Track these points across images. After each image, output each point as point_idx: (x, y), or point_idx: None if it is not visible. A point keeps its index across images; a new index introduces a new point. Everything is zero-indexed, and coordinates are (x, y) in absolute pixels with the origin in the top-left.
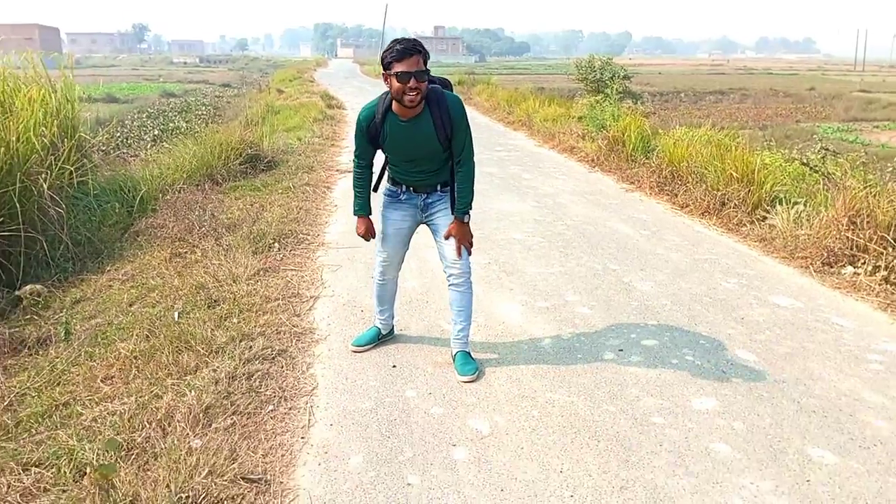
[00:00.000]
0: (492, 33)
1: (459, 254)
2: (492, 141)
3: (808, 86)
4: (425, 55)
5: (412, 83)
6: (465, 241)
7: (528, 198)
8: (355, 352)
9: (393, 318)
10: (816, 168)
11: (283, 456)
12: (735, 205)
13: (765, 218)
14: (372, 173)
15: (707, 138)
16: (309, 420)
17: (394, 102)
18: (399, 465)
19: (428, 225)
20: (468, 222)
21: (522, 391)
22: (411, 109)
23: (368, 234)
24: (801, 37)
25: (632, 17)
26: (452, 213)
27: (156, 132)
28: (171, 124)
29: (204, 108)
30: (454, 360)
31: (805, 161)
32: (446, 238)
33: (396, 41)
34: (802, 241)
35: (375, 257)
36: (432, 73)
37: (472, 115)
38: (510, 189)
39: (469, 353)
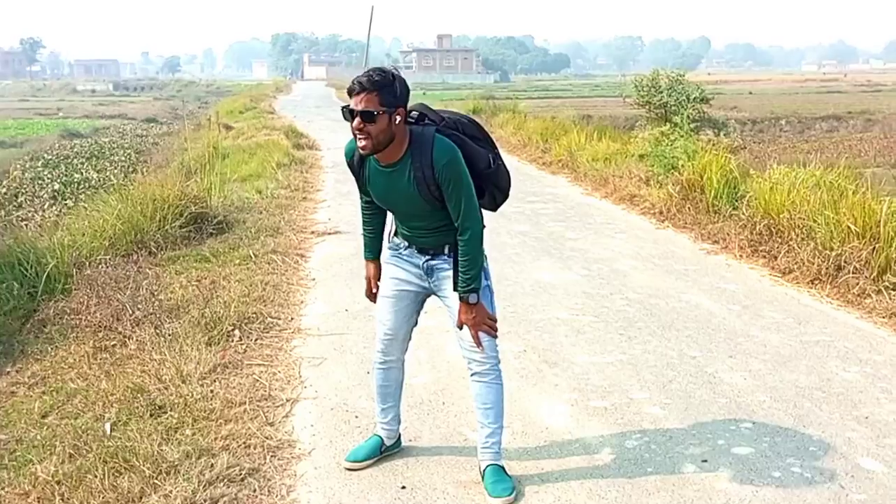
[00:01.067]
0: (517, 43)
1: (478, 343)
2: (523, 189)
3: None
4: (386, 91)
5: (355, 124)
6: (480, 327)
7: (574, 264)
8: (350, 469)
9: (400, 422)
10: None
11: None
12: (855, 269)
13: None
14: (375, 212)
15: (816, 180)
16: None
17: None
18: None
19: (437, 294)
20: (477, 303)
21: None
22: (389, 153)
23: (373, 281)
24: None
25: (710, 19)
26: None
27: (56, 186)
28: (76, 175)
29: (123, 151)
30: (483, 478)
31: None
32: (459, 328)
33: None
34: None
35: (376, 330)
36: (441, 109)
37: None
38: (550, 253)
39: (503, 468)
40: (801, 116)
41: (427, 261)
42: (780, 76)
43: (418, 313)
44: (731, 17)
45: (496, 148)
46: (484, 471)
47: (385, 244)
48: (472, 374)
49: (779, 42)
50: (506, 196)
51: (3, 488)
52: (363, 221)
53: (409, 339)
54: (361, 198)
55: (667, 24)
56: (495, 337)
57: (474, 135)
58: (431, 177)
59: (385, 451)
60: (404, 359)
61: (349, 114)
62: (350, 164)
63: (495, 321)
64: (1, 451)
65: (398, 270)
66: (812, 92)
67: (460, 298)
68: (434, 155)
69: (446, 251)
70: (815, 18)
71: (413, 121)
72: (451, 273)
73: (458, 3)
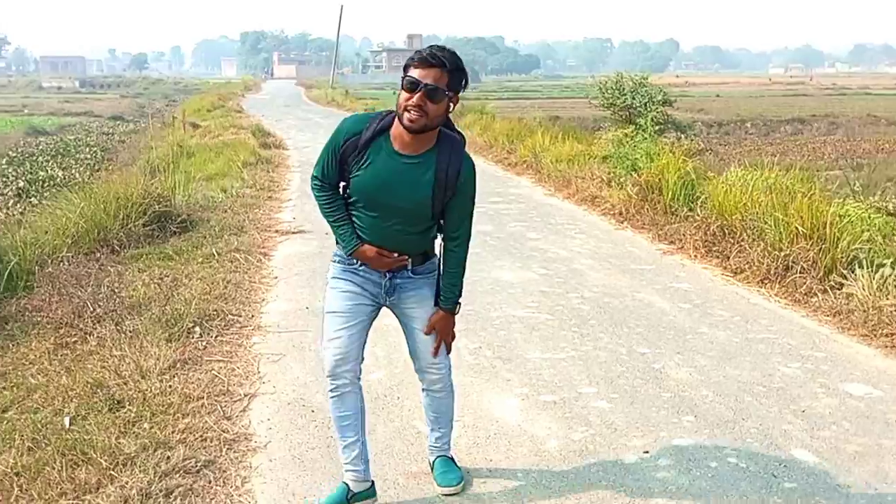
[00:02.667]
0: (488, 43)
1: (437, 353)
2: (486, 189)
3: None
4: (456, 76)
5: (416, 98)
6: (447, 336)
7: (533, 263)
8: None
9: (367, 462)
10: None
11: None
12: (803, 269)
13: (841, 285)
14: (341, 197)
15: (769, 182)
16: None
17: (395, 124)
18: None
19: (393, 311)
20: (456, 315)
21: None
22: (416, 142)
23: (382, 252)
24: None
25: (678, 22)
26: (435, 303)
27: (20, 184)
28: (42, 173)
29: (88, 149)
30: (433, 469)
31: (893, 211)
32: (427, 334)
33: (428, 47)
34: (888, 313)
35: (322, 353)
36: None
37: None
38: (510, 252)
39: (451, 459)
40: (766, 119)
41: (391, 279)
42: (747, 79)
43: (368, 331)
44: (699, 19)
45: None
46: (433, 462)
47: (332, 257)
48: (424, 389)
49: (746, 45)
50: None
51: None
52: (327, 213)
53: (362, 359)
54: (317, 184)
55: (636, 27)
56: (449, 352)
57: None
58: (454, 181)
59: (353, 499)
60: (360, 384)
61: (411, 85)
62: (344, 142)
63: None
64: None
65: (351, 285)
66: (778, 95)
67: (443, 308)
68: (464, 164)
69: (409, 267)
70: (782, 22)
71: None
72: (415, 289)
73: (428, 3)
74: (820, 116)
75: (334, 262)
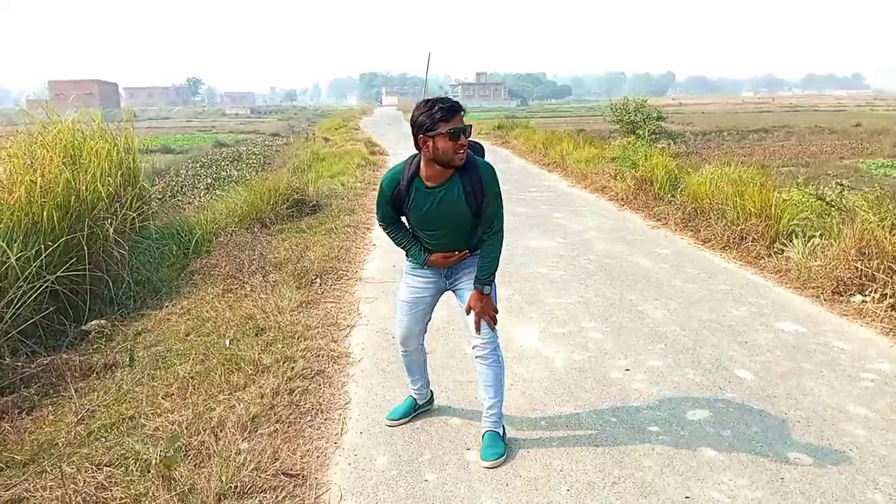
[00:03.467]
0: (534, 77)
1: (478, 329)
2: (525, 182)
3: (855, 122)
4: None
5: (462, 140)
6: (485, 314)
7: (555, 235)
8: (390, 426)
9: (428, 386)
10: (832, 203)
11: (318, 457)
12: (753, 239)
13: (782, 251)
14: (403, 227)
15: (731, 176)
16: (342, 428)
17: (422, 167)
18: (419, 465)
19: (454, 292)
20: (489, 294)
21: (533, 405)
22: (443, 172)
23: (446, 255)
24: (850, 72)
25: (675, 58)
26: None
27: (208, 181)
28: (223, 173)
29: (254, 157)
30: (482, 439)
31: (821, 196)
32: (467, 312)
33: (433, 101)
34: (815, 271)
35: (396, 327)
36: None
37: (509, 157)
38: (539, 227)
39: (499, 434)
40: (739, 129)
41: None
42: (725, 100)
43: (431, 315)
44: (690, 55)
45: None
46: (483, 435)
47: (405, 259)
48: (476, 357)
49: (725, 74)
50: None
51: (156, 381)
52: (397, 240)
53: (425, 331)
54: (384, 225)
55: (643, 61)
56: (494, 326)
57: (477, 152)
58: (480, 190)
59: (418, 409)
60: (423, 346)
61: (456, 133)
62: (391, 195)
63: (497, 312)
64: (157, 357)
65: (416, 280)
66: (749, 112)
67: (476, 288)
68: (482, 170)
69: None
70: (751, 56)
71: None
72: (468, 272)
73: (491, 47)
74: (779, 127)
75: (407, 260)
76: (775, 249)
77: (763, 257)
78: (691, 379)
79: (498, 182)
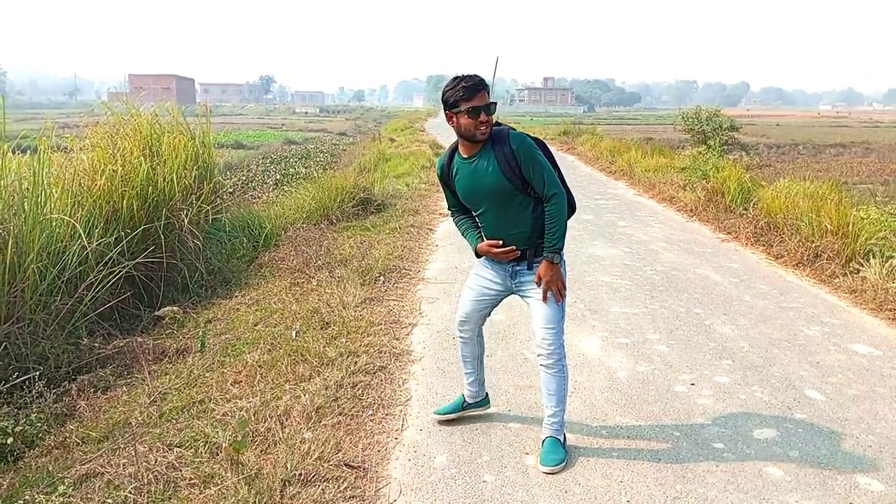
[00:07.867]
0: (602, 83)
1: (545, 298)
2: (591, 189)
3: None
4: (488, 88)
5: (482, 117)
6: (553, 284)
7: (620, 244)
8: (439, 421)
9: (482, 386)
10: None
11: (379, 451)
12: (828, 257)
13: (858, 271)
14: (468, 217)
15: (807, 191)
16: (402, 424)
17: (459, 143)
18: (477, 465)
19: (519, 294)
20: (558, 263)
21: (594, 414)
22: (475, 144)
23: (492, 244)
24: None
25: (750, 68)
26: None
27: (278, 176)
28: (291, 170)
29: (322, 155)
30: (542, 445)
31: None
32: (536, 283)
33: (459, 78)
34: (892, 293)
35: (458, 308)
36: (510, 124)
37: (575, 164)
38: (603, 235)
39: (559, 441)
40: (815, 143)
41: (513, 266)
42: (801, 113)
43: (492, 309)
44: (766, 66)
45: (560, 171)
46: (543, 441)
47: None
48: (540, 365)
49: (802, 87)
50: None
51: (225, 368)
52: (462, 229)
53: (482, 322)
54: (453, 213)
55: (716, 70)
56: (562, 301)
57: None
58: (512, 158)
59: (466, 407)
60: (482, 336)
61: (476, 111)
62: (442, 176)
63: (565, 287)
64: (226, 344)
65: (485, 270)
66: (825, 126)
67: (545, 257)
68: (511, 141)
69: (526, 258)
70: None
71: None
72: (532, 276)
73: (560, 51)
74: (858, 143)
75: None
76: (851, 269)
77: (838, 276)
78: (759, 397)
79: (535, 148)
